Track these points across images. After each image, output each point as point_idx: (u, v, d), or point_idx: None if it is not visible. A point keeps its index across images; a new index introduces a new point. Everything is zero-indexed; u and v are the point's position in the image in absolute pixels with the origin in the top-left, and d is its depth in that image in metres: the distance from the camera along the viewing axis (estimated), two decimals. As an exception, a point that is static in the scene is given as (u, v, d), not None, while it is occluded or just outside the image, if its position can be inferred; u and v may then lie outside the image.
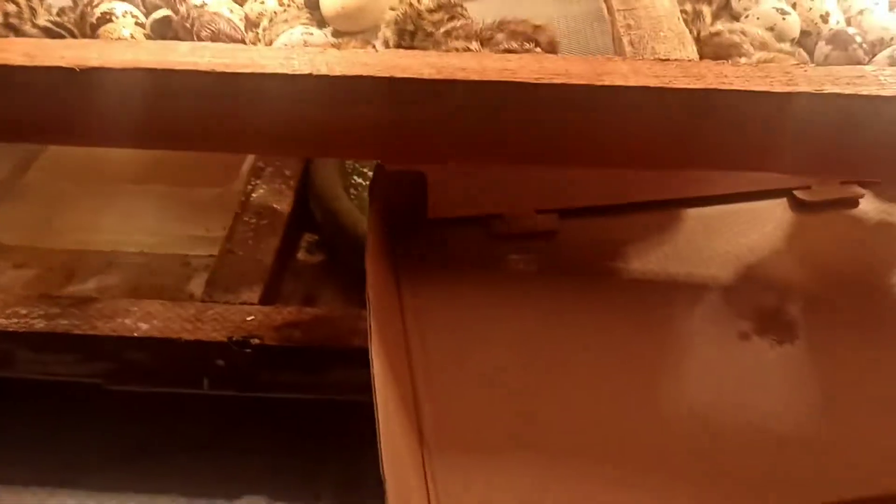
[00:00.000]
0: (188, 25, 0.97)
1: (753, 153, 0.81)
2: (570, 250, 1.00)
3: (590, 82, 0.79)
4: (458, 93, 0.79)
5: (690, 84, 0.79)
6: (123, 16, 1.00)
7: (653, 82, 0.79)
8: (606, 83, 0.79)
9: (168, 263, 1.36)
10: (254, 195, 1.37)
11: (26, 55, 0.82)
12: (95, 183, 1.42)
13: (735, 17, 1.04)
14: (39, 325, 1.08)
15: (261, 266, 1.20)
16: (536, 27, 0.89)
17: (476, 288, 0.94)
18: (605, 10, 1.00)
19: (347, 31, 1.01)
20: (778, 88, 0.78)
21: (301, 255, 1.40)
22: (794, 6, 1.00)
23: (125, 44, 0.85)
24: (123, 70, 0.81)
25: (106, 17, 1.00)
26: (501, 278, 0.97)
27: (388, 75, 0.79)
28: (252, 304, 1.14)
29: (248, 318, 1.09)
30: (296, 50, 0.85)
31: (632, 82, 0.79)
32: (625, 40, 0.89)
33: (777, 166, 0.79)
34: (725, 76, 0.80)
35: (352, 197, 1.41)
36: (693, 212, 1.05)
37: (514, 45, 0.86)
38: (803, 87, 0.77)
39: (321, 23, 1.02)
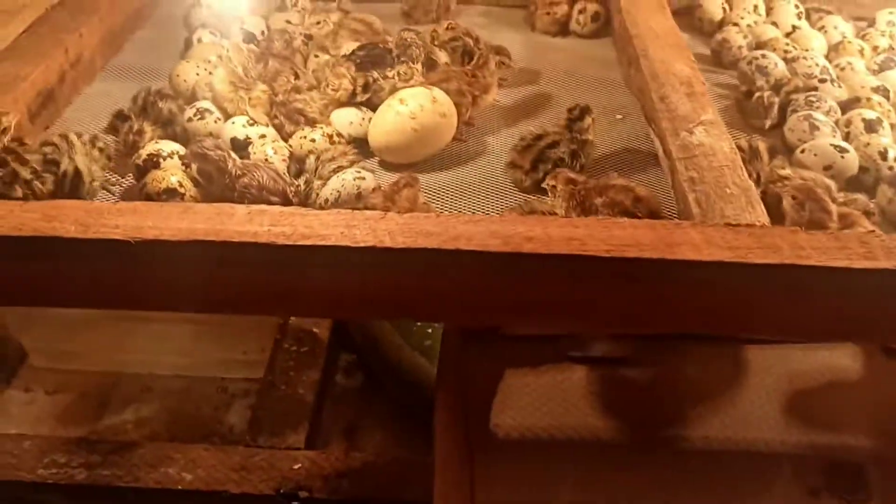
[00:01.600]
0: (225, 179, 0.92)
1: (824, 321, 0.79)
2: (641, 380, 0.98)
3: (661, 255, 0.77)
4: (525, 265, 0.76)
5: (767, 258, 0.76)
6: (170, 156, 0.97)
7: (726, 255, 0.77)
8: (678, 257, 0.76)
9: (205, 388, 1.33)
10: (292, 319, 1.34)
11: (79, 225, 0.79)
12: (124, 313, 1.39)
13: (790, 150, 1.02)
14: (80, 475, 1.05)
15: (304, 404, 1.18)
16: (637, 199, 0.86)
17: (543, 419, 0.93)
18: (661, 152, 0.98)
19: (394, 162, 0.99)
20: (857, 264, 0.76)
21: (340, 377, 1.37)
22: (846, 137, 0.98)
23: (179, 209, 0.81)
24: (179, 243, 0.78)
25: (153, 160, 0.97)
26: (570, 409, 0.95)
27: (452, 247, 0.77)
28: (298, 448, 1.11)
29: (296, 467, 1.07)
30: (356, 217, 0.81)
31: (705, 255, 0.77)
32: (690, 198, 0.87)
33: (850, 335, 0.76)
34: (802, 248, 0.77)
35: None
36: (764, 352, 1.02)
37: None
38: (883, 263, 0.75)
39: (367, 153, 1.01)
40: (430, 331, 1.41)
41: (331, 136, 1.01)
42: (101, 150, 0.92)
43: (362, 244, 0.76)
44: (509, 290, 0.80)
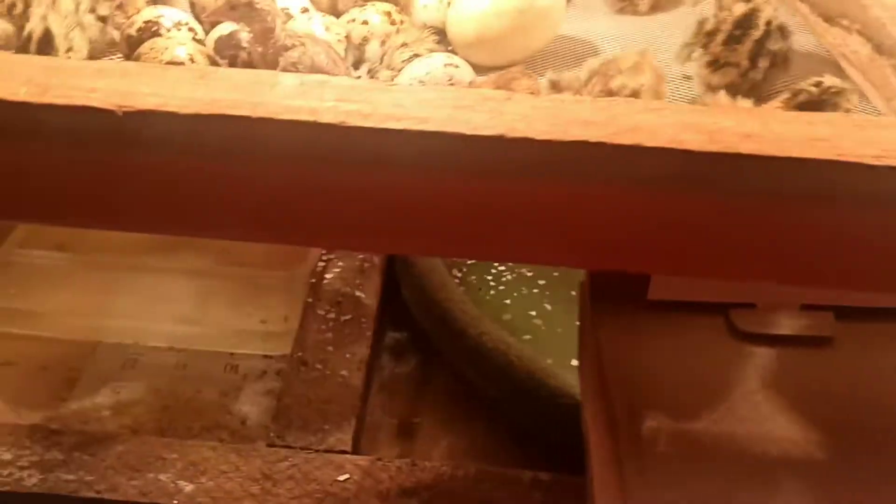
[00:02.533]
0: (268, 50, 0.73)
1: None
2: (845, 370, 0.81)
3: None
4: (740, 173, 0.57)
5: None
6: (176, 28, 0.77)
7: None
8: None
9: (208, 366, 1.10)
10: (327, 275, 1.10)
11: (33, 85, 0.57)
12: (106, 253, 1.15)
13: None
14: (31, 479, 0.82)
15: (349, 390, 0.93)
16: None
17: (711, 419, 0.77)
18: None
19: (483, 64, 0.81)
20: None
21: (385, 359, 1.13)
22: None
23: (194, 74, 0.59)
24: (192, 118, 0.56)
25: (150, 29, 0.77)
26: (746, 406, 0.79)
27: (628, 142, 0.57)
28: (344, 451, 0.87)
29: (341, 478, 0.83)
30: (469, 96, 0.59)
31: None
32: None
33: None
34: None
35: (457, 279, 1.15)
36: None
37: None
38: None
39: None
40: (507, 301, 1.18)
41: (390, 16, 0.84)
42: (101, 18, 0.75)
43: (483, 132, 0.57)
44: (707, 219, 0.61)
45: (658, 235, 0.61)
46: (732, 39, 0.73)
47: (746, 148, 0.56)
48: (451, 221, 0.62)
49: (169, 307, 1.16)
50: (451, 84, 0.76)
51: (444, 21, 0.86)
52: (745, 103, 0.70)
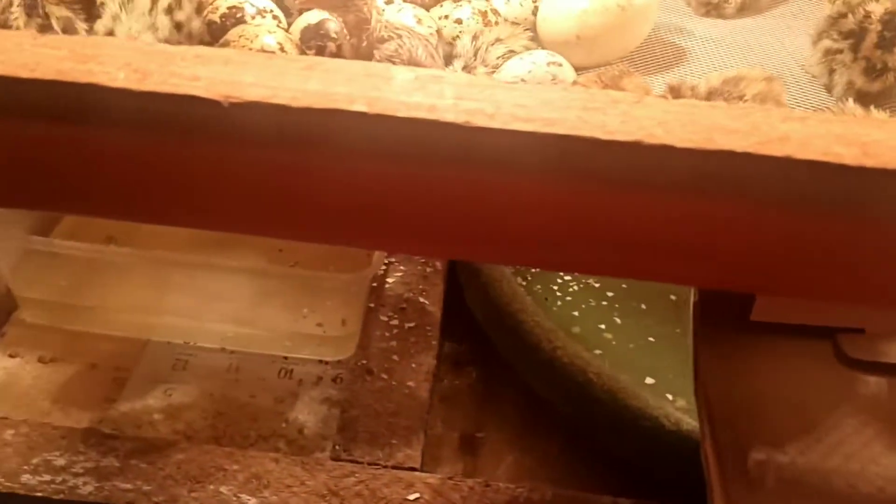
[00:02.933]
0: (362, 41, 0.70)
1: None
2: None
3: None
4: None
5: None
6: (261, 15, 0.73)
7: None
8: None
9: (262, 369, 1.06)
10: (389, 280, 1.06)
11: (133, 70, 0.53)
12: (157, 248, 1.12)
13: None
14: (87, 487, 0.78)
15: (417, 400, 0.89)
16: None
17: (815, 444, 0.72)
18: None
19: (578, 63, 0.77)
20: None
21: (444, 369, 1.08)
22: None
23: (300, 64, 0.54)
24: (305, 111, 0.52)
25: (235, 15, 0.73)
26: (853, 433, 0.73)
27: (776, 153, 0.52)
28: (413, 468, 0.82)
29: (412, 497, 0.78)
30: (598, 98, 0.56)
31: None
32: None
33: None
34: None
35: (523, 289, 1.09)
36: None
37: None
38: None
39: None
40: (575, 314, 1.13)
41: (485, 14, 0.81)
42: (177, 24, 0.70)
43: (619, 137, 0.52)
44: (850, 244, 0.56)
45: (777, 253, 0.57)
46: (885, 41, 0.68)
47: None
48: (584, 226, 0.57)
49: (221, 306, 1.11)
50: (555, 83, 0.73)
51: (528, 18, 0.84)
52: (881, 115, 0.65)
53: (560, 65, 0.72)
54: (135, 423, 0.96)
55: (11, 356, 1.08)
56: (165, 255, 1.12)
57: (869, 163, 0.51)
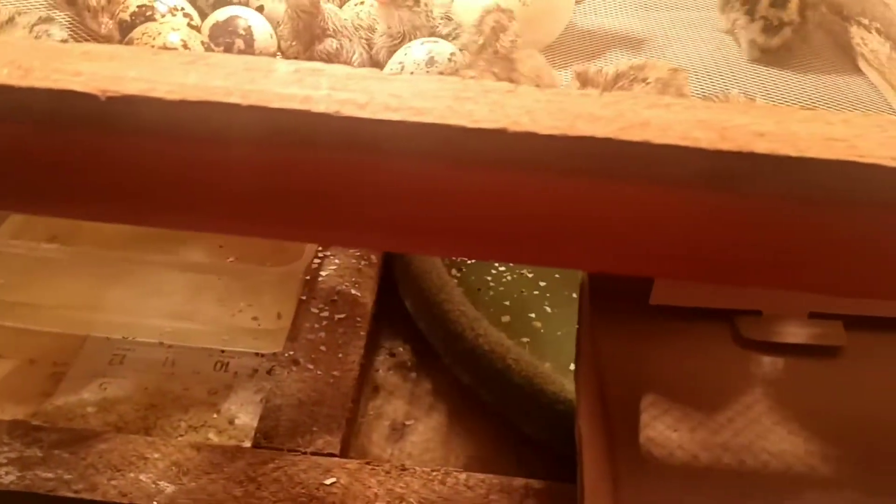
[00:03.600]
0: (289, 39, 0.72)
1: None
2: (861, 383, 0.77)
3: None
4: (752, 177, 0.55)
5: None
6: (171, 13, 0.75)
7: None
8: None
9: (197, 363, 1.07)
10: (323, 273, 1.08)
11: (16, 67, 0.55)
12: (98, 245, 1.13)
13: None
14: (9, 476, 0.79)
15: (340, 390, 0.90)
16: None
17: (713, 432, 0.74)
18: None
19: None
20: None
21: (379, 366, 1.10)
22: None
23: (184, 59, 0.57)
24: (179, 104, 0.55)
25: (144, 13, 0.74)
26: (751, 419, 0.76)
27: (637, 139, 0.54)
28: (332, 454, 0.84)
29: (328, 482, 0.80)
30: (471, 88, 0.58)
31: None
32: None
33: None
34: None
35: (456, 280, 1.12)
36: None
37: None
38: None
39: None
40: (507, 303, 1.15)
41: None
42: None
43: (485, 125, 0.54)
44: (717, 221, 0.58)
45: (663, 237, 0.59)
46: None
47: (760, 147, 0.54)
48: (454, 214, 0.59)
49: (159, 301, 1.13)
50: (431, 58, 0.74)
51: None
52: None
53: (435, 42, 0.75)
54: (67, 416, 0.97)
55: (-48, 352, 1.10)
56: (104, 253, 1.14)
57: (726, 146, 0.54)
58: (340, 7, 0.82)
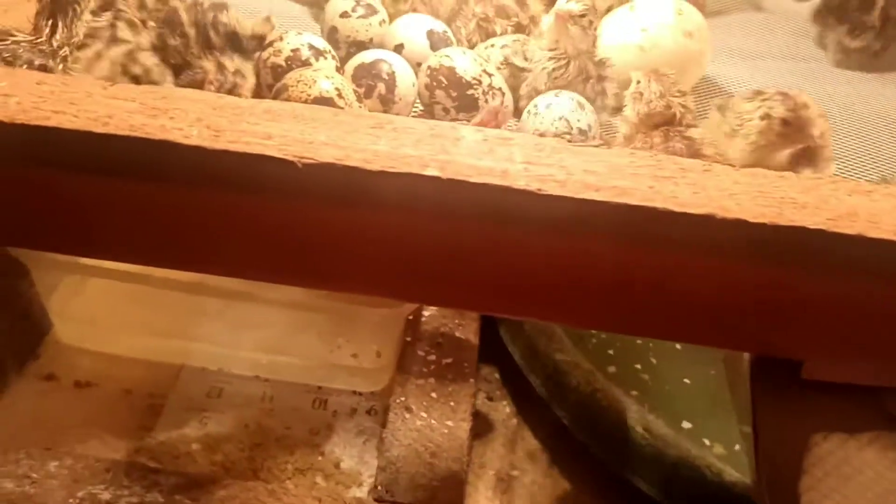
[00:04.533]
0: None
1: None
2: None
3: None
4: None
5: None
6: (323, 55, 0.74)
7: None
8: None
9: (295, 399, 1.05)
10: (425, 313, 1.06)
11: (205, 127, 0.54)
12: (192, 275, 1.11)
13: None
14: (133, 524, 0.77)
15: (456, 444, 0.88)
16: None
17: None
18: None
19: None
20: None
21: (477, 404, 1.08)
22: None
23: (369, 122, 0.55)
24: (381, 175, 0.52)
25: (298, 58, 0.73)
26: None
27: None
28: (452, 509, 0.83)
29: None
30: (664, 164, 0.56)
31: None
32: None
33: None
34: None
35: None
36: None
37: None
38: None
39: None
40: (611, 352, 1.12)
41: None
42: None
43: (691, 210, 0.53)
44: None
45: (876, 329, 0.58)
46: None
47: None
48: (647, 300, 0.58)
49: (256, 334, 1.11)
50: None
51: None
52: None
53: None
54: (172, 454, 0.95)
55: (47, 378, 1.08)
56: (203, 283, 1.12)
57: None
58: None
